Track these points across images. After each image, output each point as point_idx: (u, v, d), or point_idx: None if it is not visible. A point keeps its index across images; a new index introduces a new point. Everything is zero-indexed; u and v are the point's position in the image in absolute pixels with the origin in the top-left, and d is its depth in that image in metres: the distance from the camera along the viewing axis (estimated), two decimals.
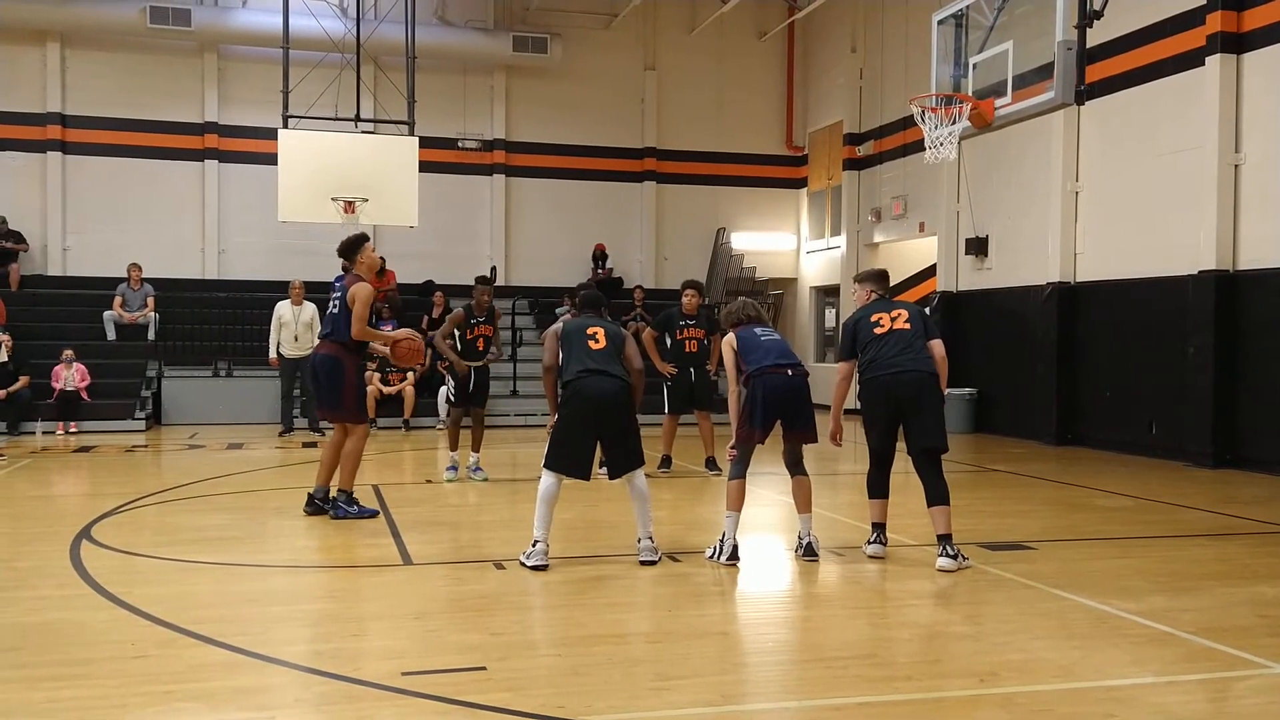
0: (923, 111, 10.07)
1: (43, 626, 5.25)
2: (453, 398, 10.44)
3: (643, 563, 6.59)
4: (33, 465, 11.99)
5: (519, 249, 21.15)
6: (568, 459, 6.52)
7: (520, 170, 21.13)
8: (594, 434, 6.54)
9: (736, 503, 6.73)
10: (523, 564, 6.44)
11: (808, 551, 6.79)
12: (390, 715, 4.12)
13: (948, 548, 6.54)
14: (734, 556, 6.65)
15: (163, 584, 6.15)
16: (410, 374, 16.42)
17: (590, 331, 6.72)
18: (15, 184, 18.86)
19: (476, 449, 10.46)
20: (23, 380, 14.96)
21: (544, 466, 6.54)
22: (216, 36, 19.30)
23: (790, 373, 6.72)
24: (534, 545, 6.45)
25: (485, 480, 10.29)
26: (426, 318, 18.12)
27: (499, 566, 6.56)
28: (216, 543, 7.36)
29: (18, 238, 18.46)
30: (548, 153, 21.18)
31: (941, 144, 9.89)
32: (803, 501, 6.84)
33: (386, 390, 16.25)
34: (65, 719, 4.02)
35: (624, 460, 6.59)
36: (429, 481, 10.64)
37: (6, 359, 15.04)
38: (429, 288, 19.30)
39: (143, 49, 19.26)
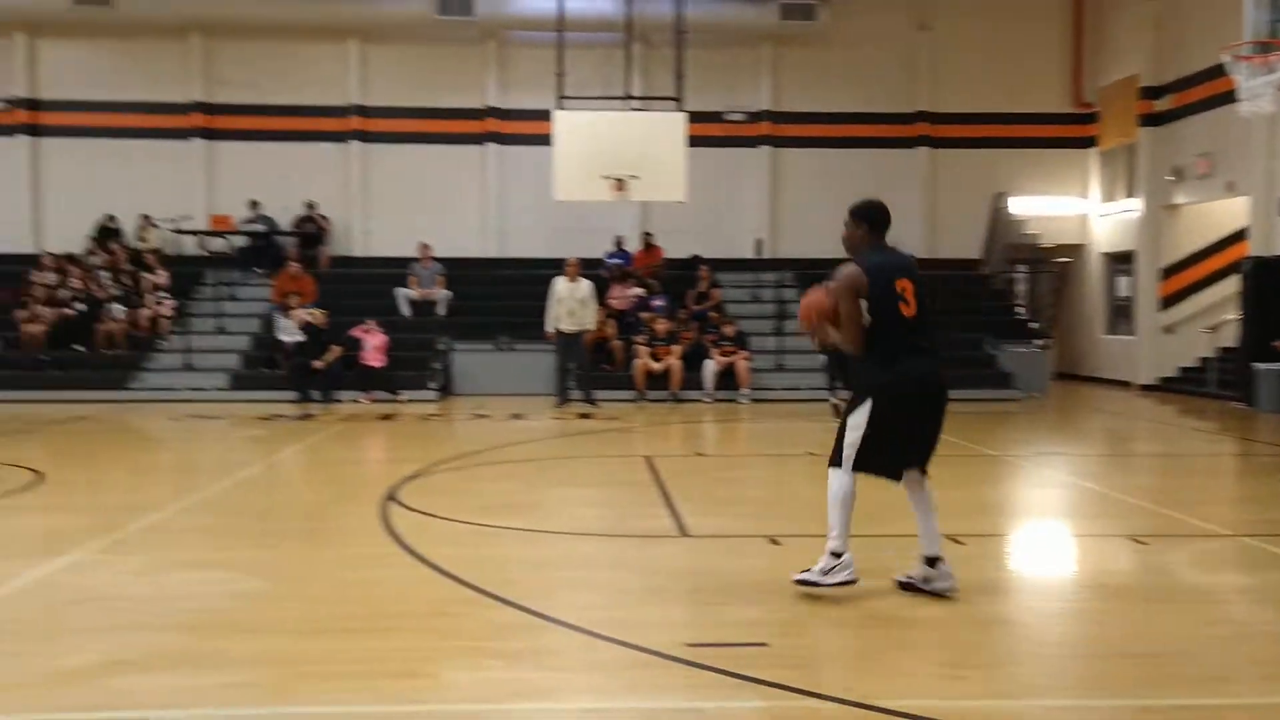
0: (1235, 60, 9.13)
1: (358, 582, 5.71)
2: None
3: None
4: (344, 432, 13.11)
5: (785, 221, 20.91)
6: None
7: (787, 141, 20.85)
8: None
9: None
10: (817, 584, 5.24)
11: None
12: (681, 685, 4.18)
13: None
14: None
15: (459, 545, 6.53)
16: (676, 347, 16.63)
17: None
18: (322, 172, 20.60)
19: None
20: (335, 350, 16.29)
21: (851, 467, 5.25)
22: (497, 23, 20.20)
23: None
24: (838, 558, 5.23)
25: None
26: (691, 293, 18.26)
27: (774, 542, 6.52)
28: (504, 508, 7.76)
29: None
30: (815, 122, 20.76)
31: (1257, 95, 8.96)
32: None
33: (655, 366, 16.52)
34: (382, 667, 4.35)
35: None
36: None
37: (317, 332, 16.45)
38: (694, 262, 19.49)
39: (430, 40, 20.47)
